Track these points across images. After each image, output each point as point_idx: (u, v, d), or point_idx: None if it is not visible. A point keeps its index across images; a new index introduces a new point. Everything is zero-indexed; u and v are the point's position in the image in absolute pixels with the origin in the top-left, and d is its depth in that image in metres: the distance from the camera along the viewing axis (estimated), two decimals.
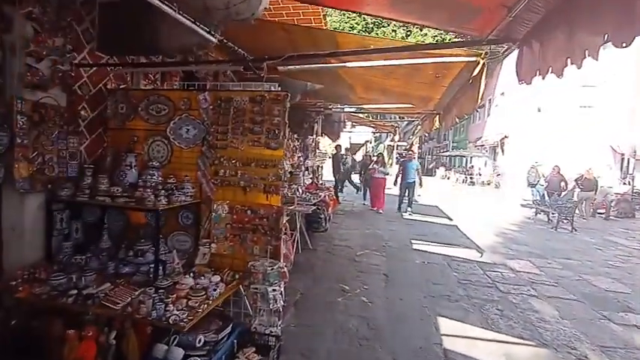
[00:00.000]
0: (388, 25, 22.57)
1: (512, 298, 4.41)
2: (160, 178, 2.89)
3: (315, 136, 8.57)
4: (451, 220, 9.99)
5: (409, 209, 10.10)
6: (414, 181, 10.01)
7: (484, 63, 3.00)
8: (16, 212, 2.56)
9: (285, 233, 3.18)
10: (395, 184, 10.40)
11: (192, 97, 3.06)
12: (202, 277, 2.61)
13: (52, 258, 2.71)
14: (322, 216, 6.73)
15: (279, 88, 2.99)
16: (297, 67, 3.30)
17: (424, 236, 7.62)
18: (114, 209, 2.99)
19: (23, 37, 2.47)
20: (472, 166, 25.99)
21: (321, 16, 4.93)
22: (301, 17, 4.58)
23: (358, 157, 24.38)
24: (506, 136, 21.10)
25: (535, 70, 2.07)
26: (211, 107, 3.01)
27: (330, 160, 12.11)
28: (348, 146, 17.63)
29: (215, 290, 2.47)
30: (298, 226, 5.63)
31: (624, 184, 14.58)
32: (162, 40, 2.98)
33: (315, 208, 6.06)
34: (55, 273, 2.46)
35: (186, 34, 2.80)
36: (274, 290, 2.67)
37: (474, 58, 3.08)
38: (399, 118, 12.54)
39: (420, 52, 3.12)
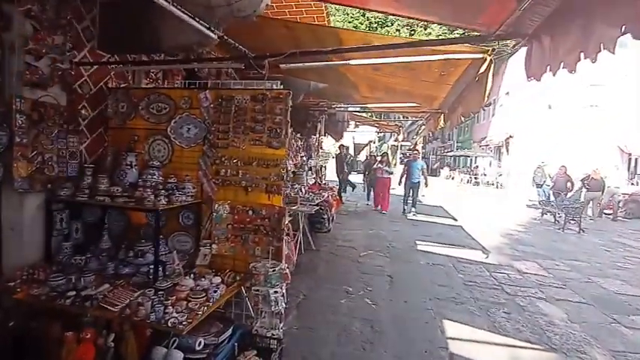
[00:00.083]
0: (392, 24, 22.48)
1: (519, 300, 4.33)
2: (161, 178, 2.85)
3: (318, 135, 8.52)
4: (456, 220, 9.89)
5: (413, 209, 10.01)
6: (419, 182, 9.90)
7: (491, 60, 2.93)
8: (16, 212, 2.53)
9: (288, 234, 3.13)
10: (400, 184, 10.30)
11: (193, 95, 3.02)
12: (203, 279, 2.56)
13: (51, 258, 2.67)
14: (325, 216, 6.69)
15: (281, 87, 2.93)
16: (299, 65, 3.25)
17: (429, 237, 7.54)
18: (114, 209, 2.95)
19: (22, 35, 2.44)
20: (477, 166, 25.81)
21: (324, 14, 4.88)
22: (304, 15, 4.52)
23: (362, 157, 24.31)
24: (511, 136, 20.92)
25: (545, 65, 2.00)
26: (212, 106, 2.96)
27: (334, 160, 12.07)
28: (352, 146, 17.55)
29: (215, 292, 2.42)
30: (301, 227, 5.59)
31: (632, 184, 14.39)
32: (163, 38, 2.94)
33: (318, 208, 6.02)
34: (54, 274, 2.42)
35: (188, 31, 2.76)
36: (276, 292, 2.62)
37: (480, 55, 3.01)
38: (403, 117, 12.43)
39: (424, 49, 3.05)
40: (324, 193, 6.96)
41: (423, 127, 9.98)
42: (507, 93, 20.86)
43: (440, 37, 23.06)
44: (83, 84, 2.96)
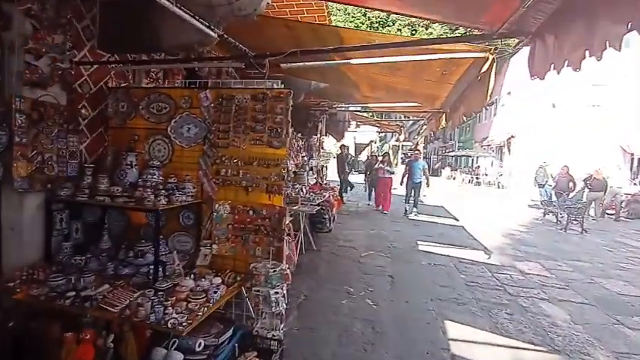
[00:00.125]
0: (393, 24, 22.45)
1: (521, 301, 4.30)
2: (161, 178, 2.83)
3: (319, 135, 8.50)
4: (457, 220, 9.86)
5: (415, 209, 9.98)
6: (421, 182, 9.86)
7: (493, 59, 2.90)
8: (15, 212, 2.52)
9: (289, 234, 3.11)
10: (401, 184, 10.25)
11: (194, 95, 3.01)
12: (203, 279, 2.54)
13: (51, 258, 2.67)
14: (326, 216, 6.67)
15: (282, 86, 2.91)
16: (300, 64, 3.23)
17: (430, 237, 7.51)
18: (114, 209, 2.94)
19: (22, 34, 2.43)
20: (478, 166, 25.75)
21: (326, 14, 4.86)
22: (305, 15, 4.50)
23: (363, 157, 24.28)
24: (512, 136, 20.85)
25: (549, 64, 1.98)
26: (212, 105, 2.95)
27: (335, 160, 12.04)
28: (353, 146, 17.53)
29: (216, 293, 2.40)
30: (302, 227, 5.57)
31: (634, 184, 14.32)
32: (163, 38, 2.92)
33: (319, 208, 6.00)
34: (54, 274, 2.41)
35: (188, 30, 2.74)
36: (276, 293, 2.60)
37: (482, 54, 2.99)
38: (404, 117, 12.40)
39: (426, 47, 3.02)
40: (325, 193, 6.94)
41: (425, 127, 9.95)
42: (509, 93, 20.79)
43: (441, 37, 23.01)
44: (83, 83, 2.95)
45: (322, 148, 9.47)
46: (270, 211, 2.82)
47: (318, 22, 4.35)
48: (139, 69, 3.49)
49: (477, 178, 24.26)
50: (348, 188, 12.23)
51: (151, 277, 2.52)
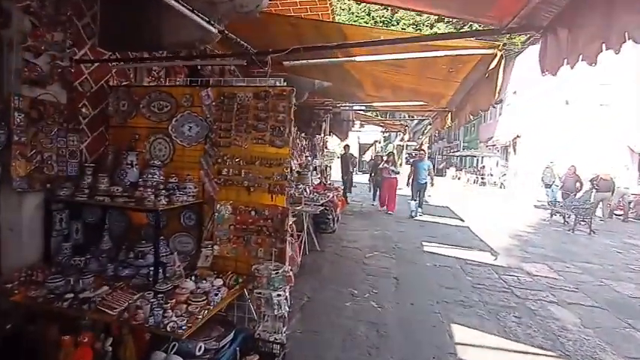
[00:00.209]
0: (397, 23, 22.33)
1: (530, 304, 4.20)
2: (162, 178, 2.78)
3: (323, 135, 8.43)
4: (463, 221, 9.75)
5: (419, 210, 9.87)
6: (426, 182, 9.69)
7: (502, 55, 2.82)
8: (14, 212, 2.49)
9: (292, 235, 3.05)
10: (408, 184, 10.09)
11: (195, 93, 2.96)
12: (204, 281, 2.49)
13: (50, 259, 2.63)
14: (330, 217, 6.60)
15: (285, 84, 2.85)
16: (303, 62, 3.16)
17: (435, 238, 7.42)
18: (115, 209, 2.90)
19: (21, 32, 2.39)
20: (483, 167, 25.56)
21: (329, 12, 4.80)
22: (309, 13, 4.45)
23: (367, 157, 24.17)
24: (518, 136, 20.66)
25: (562, 59, 1.90)
26: (214, 104, 2.90)
27: (339, 160, 11.95)
28: (357, 146, 17.45)
29: (217, 295, 2.34)
30: (305, 227, 5.51)
31: None
32: (165, 35, 2.88)
33: (322, 208, 5.93)
34: (53, 275, 2.38)
35: (190, 27, 2.69)
36: (279, 295, 2.54)
37: (490, 51, 2.90)
38: (409, 116, 12.29)
39: (432, 44, 2.95)
40: (329, 194, 6.87)
41: (430, 126, 9.85)
42: (515, 92, 20.60)
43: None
44: (84, 82, 2.92)
45: (326, 147, 9.40)
46: (272, 212, 2.76)
47: (322, 20, 4.29)
48: (141, 67, 3.45)
49: (482, 178, 24.08)
50: (352, 188, 12.15)
51: (151, 279, 2.47)
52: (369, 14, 22.87)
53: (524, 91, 19.26)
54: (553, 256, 6.59)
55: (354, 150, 19.66)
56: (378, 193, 11.13)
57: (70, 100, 2.77)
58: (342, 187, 11.01)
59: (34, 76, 2.47)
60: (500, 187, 21.44)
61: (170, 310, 2.10)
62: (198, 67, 4.18)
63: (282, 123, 2.77)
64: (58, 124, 2.68)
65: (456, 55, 3.03)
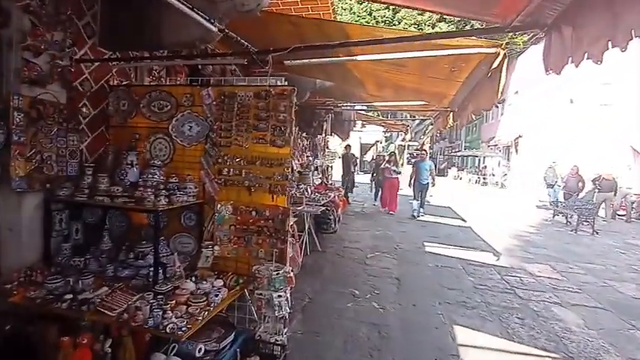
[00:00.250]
0: (399, 23, 22.27)
1: (533, 305, 4.16)
2: (162, 178, 2.76)
3: (324, 135, 8.41)
4: (465, 221, 9.71)
5: (421, 210, 9.81)
6: (428, 183, 9.62)
7: (505, 54, 2.80)
8: (14, 212, 2.48)
9: (293, 236, 3.03)
10: (410, 185, 10.01)
11: (195, 92, 2.94)
12: (204, 282, 2.47)
13: (50, 260, 2.61)
14: (331, 217, 6.58)
15: (285, 83, 2.83)
16: (304, 61, 3.14)
17: (437, 238, 7.38)
18: (115, 209, 2.89)
19: (20, 31, 2.38)
20: (485, 167, 25.48)
21: (331, 11, 4.78)
22: (310, 12, 4.43)
23: (368, 157, 24.13)
24: (520, 136, 20.59)
25: (567, 57, 1.87)
26: (215, 103, 2.88)
27: (340, 160, 11.91)
28: (358, 146, 17.41)
29: (217, 296, 2.32)
30: (307, 227, 5.49)
31: None
32: (165, 35, 2.86)
33: (324, 208, 5.91)
34: (52, 276, 2.36)
35: (190, 26, 2.68)
36: (280, 296, 2.52)
37: (493, 50, 2.87)
38: (411, 116, 12.26)
39: (434, 43, 2.92)
40: (330, 194, 6.85)
41: (431, 126, 9.80)
42: (516, 92, 20.52)
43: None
44: (84, 81, 2.90)
45: (327, 147, 9.37)
46: (273, 212, 2.74)
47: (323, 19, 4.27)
48: (141, 67, 3.44)
49: (483, 178, 24.02)
50: (354, 188, 12.10)
51: (150, 280, 2.45)
52: (370, 14, 22.81)
53: (525, 90, 19.19)
54: (556, 256, 6.55)
55: (356, 150, 19.62)
56: (379, 193, 11.07)
57: (69, 100, 2.76)
58: (344, 188, 10.98)
59: (33, 76, 2.46)
60: (501, 187, 21.39)
61: (170, 312, 2.09)
62: (199, 67, 4.16)
63: (283, 123, 2.75)
64: (58, 124, 2.67)
65: (459, 54, 3.00)
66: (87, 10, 2.89)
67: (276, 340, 2.57)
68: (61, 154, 2.70)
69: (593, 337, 3.49)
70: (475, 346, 3.17)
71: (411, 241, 7.06)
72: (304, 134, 7.18)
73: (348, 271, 5.06)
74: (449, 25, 20.60)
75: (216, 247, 2.78)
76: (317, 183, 7.26)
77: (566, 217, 10.38)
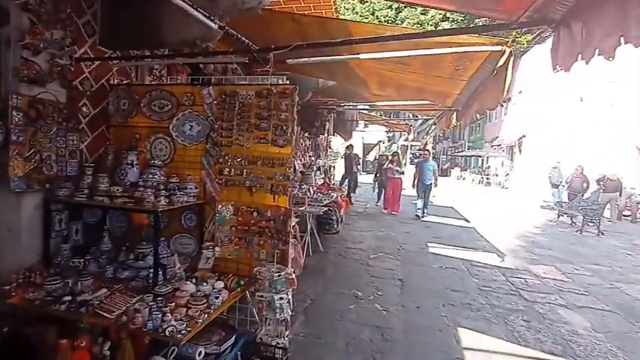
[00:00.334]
0: (402, 22, 22.18)
1: (538, 307, 4.10)
2: (162, 178, 2.73)
3: (327, 134, 8.36)
4: (468, 221, 9.63)
5: (425, 210, 9.72)
6: (432, 183, 9.49)
7: (511, 51, 2.74)
8: (13, 212, 2.45)
9: (295, 236, 2.98)
10: (413, 186, 9.87)
11: (196, 91, 2.90)
12: (205, 284, 2.43)
13: (49, 260, 2.58)
14: (334, 217, 6.54)
15: (287, 81, 2.79)
16: (306, 59, 3.10)
17: (440, 239, 7.32)
18: (116, 210, 2.85)
19: (19, 29, 2.35)
20: (488, 167, 25.34)
21: (333, 10, 4.73)
22: (312, 11, 4.39)
23: (370, 157, 24.06)
24: (524, 136, 20.45)
25: (576, 54, 1.82)
26: (216, 102, 2.84)
27: (343, 159, 11.84)
28: (361, 146, 17.33)
29: (217, 298, 2.28)
30: (309, 228, 5.45)
31: None
32: (166, 33, 2.84)
33: (326, 209, 5.86)
34: (51, 277, 2.33)
35: (191, 24, 2.65)
36: (281, 299, 2.47)
37: (498, 47, 2.82)
38: (413, 116, 12.19)
39: (439, 41, 2.87)
40: (332, 194, 6.81)
41: (434, 126, 9.72)
42: (520, 91, 20.41)
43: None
44: (84, 80, 2.87)
45: (330, 147, 9.32)
46: (274, 213, 2.70)
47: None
48: (142, 66, 3.41)
49: (487, 178, 23.88)
50: (356, 189, 12.03)
51: (150, 281, 2.41)
52: (373, 14, 22.74)
53: (529, 90, 19.07)
54: (561, 257, 6.47)
55: (358, 150, 19.56)
56: (383, 194, 10.93)
57: (69, 99, 2.73)
58: (347, 187, 10.91)
59: (32, 75, 2.43)
60: (503, 188, 21.27)
61: (169, 314, 2.05)
62: (201, 66, 4.14)
63: (284, 122, 2.71)
64: (58, 124, 2.64)
65: (464, 52, 2.95)
66: (87, 9, 2.87)
67: (278, 343, 2.53)
68: (60, 153, 2.67)
69: (601, 341, 3.43)
70: (480, 350, 3.11)
71: (415, 241, 7.00)
72: (306, 134, 7.14)
73: (351, 272, 5.01)
74: (452, 25, 20.49)
75: (217, 248, 2.74)
76: (319, 183, 7.22)
77: (571, 218, 10.27)
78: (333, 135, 9.11)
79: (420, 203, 9.57)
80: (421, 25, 21.70)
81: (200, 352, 2.18)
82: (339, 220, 6.94)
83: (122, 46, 3.08)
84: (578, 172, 11.00)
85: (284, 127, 2.71)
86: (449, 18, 20.84)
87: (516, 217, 10.87)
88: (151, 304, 2.10)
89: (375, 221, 8.96)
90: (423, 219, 9.44)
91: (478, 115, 4.22)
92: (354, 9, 22.25)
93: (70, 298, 2.16)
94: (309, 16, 3.76)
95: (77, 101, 2.81)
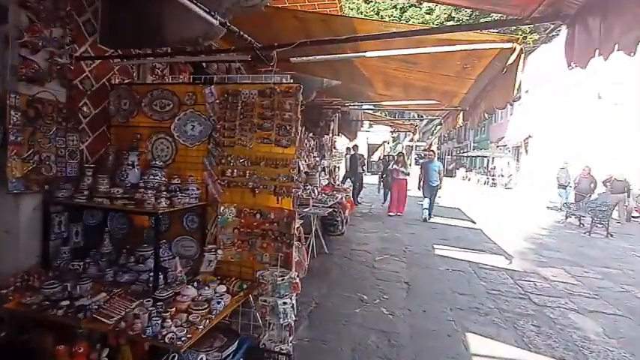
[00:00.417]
0: (407, 22, 22.06)
1: (548, 312, 3.99)
2: (164, 179, 2.67)
3: (331, 135, 8.28)
4: (474, 223, 9.50)
5: (430, 212, 9.55)
6: (438, 184, 9.27)
7: (521, 49, 2.65)
8: (11, 214, 2.40)
9: (299, 239, 2.91)
10: (419, 188, 9.68)
11: (198, 90, 2.85)
12: (206, 288, 2.37)
13: (48, 263, 2.53)
14: (339, 219, 6.45)
15: (291, 81, 2.72)
16: (310, 58, 3.03)
17: (447, 240, 7.21)
18: (116, 211, 2.80)
19: (17, 27, 2.30)
20: (494, 167, 25.11)
21: (338, 8, 4.66)
22: (316, 10, 4.32)
23: (374, 157, 23.94)
24: (530, 136, 20.23)
25: (593, 49, 1.73)
26: (218, 101, 2.78)
27: (348, 160, 11.74)
28: (365, 147, 17.23)
29: (219, 303, 2.22)
30: (313, 229, 5.37)
31: None
32: (168, 31, 2.78)
33: (331, 210, 5.78)
34: (49, 281, 2.28)
35: (193, 21, 2.58)
36: (285, 303, 2.41)
37: (509, 45, 2.73)
38: (419, 116, 12.06)
39: (447, 38, 2.79)
40: (337, 195, 6.73)
41: (439, 127, 9.60)
42: (527, 91, 20.18)
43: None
44: (84, 80, 2.83)
45: (335, 147, 9.23)
46: (278, 215, 2.63)
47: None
48: (144, 65, 3.36)
49: (492, 179, 23.67)
50: (362, 190, 11.91)
51: (151, 285, 2.35)
52: (377, 13, 22.63)
53: (536, 89, 18.85)
54: (570, 260, 6.34)
55: (363, 150, 19.44)
56: (389, 195, 10.69)
57: (69, 99, 2.68)
58: (352, 187, 10.79)
59: (31, 73, 2.38)
60: (506, 188, 21.07)
61: (169, 320, 1.99)
62: (204, 65, 4.08)
63: (288, 122, 2.64)
64: (57, 123, 2.59)
65: (472, 49, 2.86)
66: (87, 7, 2.82)
67: (281, 349, 2.46)
68: (60, 154, 2.63)
69: (614, 347, 3.32)
70: (490, 356, 3.01)
71: (420, 243, 6.90)
72: (311, 134, 7.07)
73: (356, 274, 4.93)
74: (459, 22, 20.33)
75: (219, 251, 2.68)
76: (324, 184, 7.14)
77: (579, 219, 10.11)
78: (338, 135, 9.02)
79: (425, 203, 9.38)
80: (426, 24, 21.56)
81: (201, 358, 2.12)
82: (344, 221, 6.85)
83: (123, 44, 3.03)
84: (586, 173, 10.83)
85: (288, 127, 2.64)
86: (454, 18, 20.70)
87: (523, 219, 10.72)
88: (150, 309, 2.05)
89: (380, 222, 8.87)
90: (429, 220, 9.29)
91: (486, 115, 4.13)
92: (358, 9, 22.17)
93: (67, 302, 2.11)
94: (313, 13, 3.69)
95: (77, 101, 2.77)
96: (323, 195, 6.12)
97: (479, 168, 28.84)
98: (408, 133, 18.70)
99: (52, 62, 2.52)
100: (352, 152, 11.62)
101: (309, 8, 4.28)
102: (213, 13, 2.39)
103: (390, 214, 9.88)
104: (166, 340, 1.87)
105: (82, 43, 2.78)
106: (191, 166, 2.82)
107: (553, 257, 6.45)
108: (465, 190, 20.12)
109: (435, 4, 22.30)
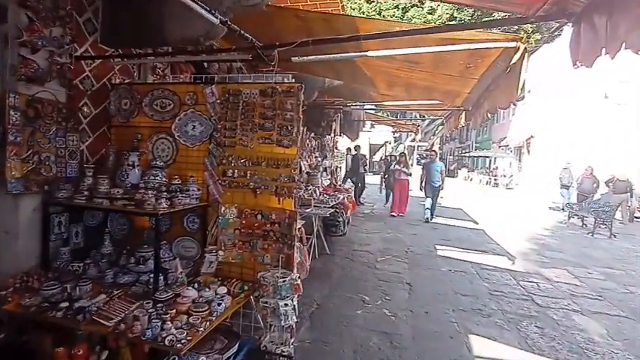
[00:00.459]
0: (410, 21, 22.05)
1: (552, 313, 3.95)
2: (164, 179, 2.65)
3: (333, 135, 8.26)
4: (477, 223, 9.46)
5: (433, 213, 9.48)
6: (440, 185, 9.20)
7: (525, 48, 2.62)
8: (10, 215, 2.39)
9: (301, 239, 2.89)
10: (421, 189, 9.60)
11: (199, 90, 2.83)
12: (207, 289, 2.35)
13: (48, 264, 2.52)
14: (341, 219, 6.42)
15: (293, 80, 2.70)
16: (312, 57, 3.01)
17: (449, 241, 7.18)
18: (116, 212, 2.78)
19: (16, 26, 2.28)
20: (496, 167, 25.03)
21: (339, 8, 4.64)
22: (318, 9, 4.30)
23: (376, 157, 23.92)
24: (532, 136, 20.14)
25: (600, 48, 1.71)
26: (219, 101, 2.76)
27: (349, 160, 11.71)
28: (367, 147, 17.18)
29: (220, 305, 2.20)
30: (315, 230, 5.35)
31: None
32: (169, 31, 2.76)
33: (333, 210, 5.76)
34: (49, 282, 2.27)
35: (194, 20, 2.57)
36: (286, 305, 2.38)
37: (513, 44, 2.70)
38: (421, 116, 12.01)
39: (450, 37, 2.76)
40: (339, 195, 6.70)
41: (441, 127, 9.55)
42: (529, 91, 20.10)
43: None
44: (85, 79, 2.81)
45: (336, 148, 9.20)
46: (279, 216, 2.60)
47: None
48: (145, 65, 3.35)
49: (494, 179, 23.60)
50: (364, 190, 11.86)
51: (151, 286, 2.33)
52: (379, 13, 22.62)
53: (538, 90, 18.78)
54: (573, 261, 6.30)
55: (364, 150, 19.41)
56: (391, 196, 10.60)
57: (69, 99, 2.67)
58: (354, 187, 10.76)
59: (30, 73, 2.36)
60: (507, 188, 21.00)
61: (169, 322, 1.97)
62: (205, 65, 4.06)
63: (290, 122, 2.62)
64: (57, 123, 2.58)
65: (475, 48, 2.83)
66: (88, 6, 2.81)
67: (283, 351, 2.44)
68: (60, 154, 2.61)
69: (618, 349, 3.28)
70: (493, 358, 2.99)
71: (423, 244, 6.87)
72: (312, 134, 7.05)
73: (358, 275, 4.90)
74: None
75: (220, 252, 2.65)
76: (326, 184, 7.11)
77: (582, 220, 10.05)
78: (340, 135, 8.99)
79: (428, 203, 9.32)
80: (428, 24, 21.53)
81: None
82: (346, 221, 6.83)
83: (124, 44, 3.01)
84: (588, 173, 10.78)
85: (289, 127, 2.61)
86: (456, 18, 20.68)
87: (525, 219, 10.67)
88: (150, 311, 2.03)
89: (382, 223, 8.83)
90: (431, 221, 9.24)
91: (489, 115, 4.10)
92: (360, 9, 22.17)
93: (67, 304, 2.09)
94: (314, 12, 3.66)
95: (77, 101, 2.75)
96: (325, 195, 6.09)
97: (481, 168, 28.76)
98: (409, 133, 18.65)
99: (52, 62, 2.50)
100: (353, 152, 11.60)
101: (310, 7, 4.26)
102: (214, 12, 2.37)
103: (392, 214, 9.84)
104: (166, 342, 1.85)
105: (82, 42, 2.76)
106: (192, 167, 2.81)
107: (556, 258, 6.41)
108: (467, 190, 20.06)
109: (437, 3, 22.26)
